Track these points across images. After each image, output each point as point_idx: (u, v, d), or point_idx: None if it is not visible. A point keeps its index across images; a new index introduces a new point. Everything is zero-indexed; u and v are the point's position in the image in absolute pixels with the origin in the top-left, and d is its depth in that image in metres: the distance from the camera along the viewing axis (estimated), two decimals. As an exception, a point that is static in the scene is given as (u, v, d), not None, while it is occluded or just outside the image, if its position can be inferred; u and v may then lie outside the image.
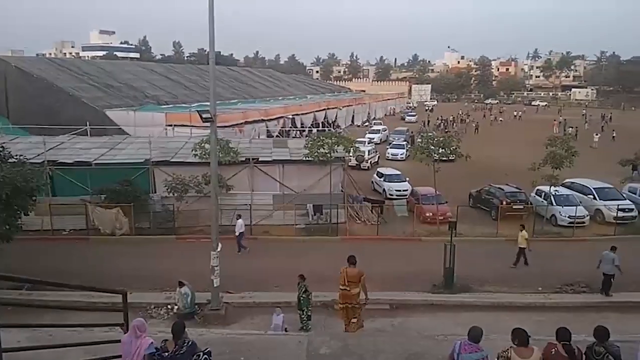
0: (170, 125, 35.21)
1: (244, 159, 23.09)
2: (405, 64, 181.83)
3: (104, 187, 21.62)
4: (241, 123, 38.00)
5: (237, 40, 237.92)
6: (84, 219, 21.68)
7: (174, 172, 22.01)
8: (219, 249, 14.22)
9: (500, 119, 72.98)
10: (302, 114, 50.76)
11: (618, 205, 23.41)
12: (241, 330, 11.93)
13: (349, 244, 20.53)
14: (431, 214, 23.35)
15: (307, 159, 22.72)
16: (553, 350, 6.67)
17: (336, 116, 58.86)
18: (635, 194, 25.54)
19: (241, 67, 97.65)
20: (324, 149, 22.33)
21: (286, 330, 12.52)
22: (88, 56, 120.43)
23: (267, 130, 41.79)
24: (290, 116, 47.67)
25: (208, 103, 15.56)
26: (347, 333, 11.97)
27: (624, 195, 25.42)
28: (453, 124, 62.59)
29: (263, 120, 42.24)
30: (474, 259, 18.12)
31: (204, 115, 13.97)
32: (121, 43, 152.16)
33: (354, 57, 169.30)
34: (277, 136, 40.42)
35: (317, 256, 18.71)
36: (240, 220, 19.78)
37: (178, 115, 37.23)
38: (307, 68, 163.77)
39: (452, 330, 11.59)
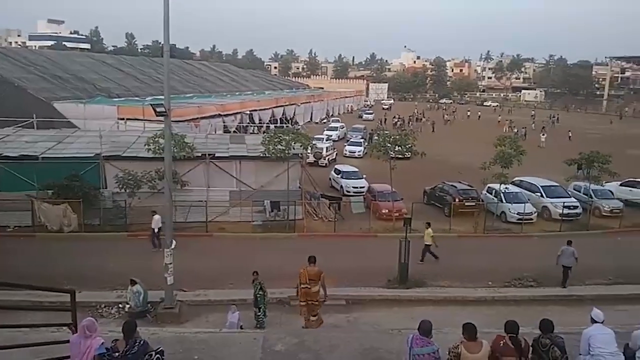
0: (122, 119, 34.12)
1: (199, 154, 22.68)
2: (363, 63, 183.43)
3: (52, 182, 20.74)
4: (197, 118, 37.26)
5: (193, 33, 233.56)
6: (29, 215, 20.73)
7: (125, 167, 21.36)
8: (173, 246, 13.93)
9: (450, 117, 74.96)
10: (260, 109, 50.32)
11: (564, 202, 24.49)
12: (195, 329, 11.73)
13: (306, 240, 20.58)
14: (387, 210, 23.68)
15: (264, 155, 22.56)
16: (501, 342, 6.91)
17: (294, 112, 58.72)
18: (579, 192, 26.77)
19: (197, 61, 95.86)
20: (281, 145, 22.23)
21: (242, 328, 12.42)
22: (35, 46, 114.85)
23: (224, 125, 41.15)
24: (248, 112, 47.18)
25: (162, 97, 15.16)
26: (303, 329, 12.03)
27: (569, 193, 26.62)
28: (409, 123, 63.70)
29: (220, 116, 41.58)
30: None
31: (157, 109, 13.58)
32: (71, 33, 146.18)
33: (313, 54, 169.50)
34: (234, 132, 39.91)
35: (274, 253, 18.66)
36: (156, 216, 19.07)
37: (130, 109, 36.11)
38: (266, 64, 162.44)
39: (406, 324, 11.76)
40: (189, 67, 73.39)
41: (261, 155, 22.76)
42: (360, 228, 22.67)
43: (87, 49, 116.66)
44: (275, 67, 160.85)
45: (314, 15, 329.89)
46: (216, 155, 23.26)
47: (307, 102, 65.86)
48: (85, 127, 31.81)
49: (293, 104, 59.79)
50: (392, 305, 15.36)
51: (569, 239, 17.50)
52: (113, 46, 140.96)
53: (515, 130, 55.32)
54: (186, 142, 22.10)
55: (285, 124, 46.47)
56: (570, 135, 53.16)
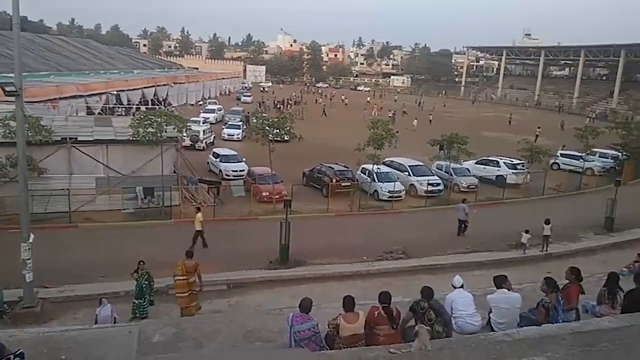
0: (-37, 99, 29.73)
1: (59, 138, 20.63)
2: (240, 44, 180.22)
3: None
4: (55, 98, 33.79)
5: (48, 5, 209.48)
6: None
7: (-31, 153, 18.72)
8: (30, 240, 12.57)
9: (320, 100, 76.93)
10: (129, 89, 47.07)
11: (428, 180, 26.61)
12: (61, 327, 10.75)
13: (184, 227, 19.87)
14: (267, 193, 23.77)
15: (134, 138, 21.19)
16: (376, 312, 7.35)
17: (167, 94, 55.94)
18: (441, 170, 29.23)
19: (54, 36, 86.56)
20: (152, 128, 21.05)
21: (115, 322, 11.71)
22: None
23: (87, 106, 37.93)
24: (115, 92, 43.89)
25: (12, 74, 13.46)
26: (181, 318, 11.79)
27: (433, 171, 28.97)
28: (287, 106, 64.26)
29: (82, 96, 38.14)
30: (308, 234, 18.94)
31: (7, 89, 12.06)
32: None
33: (186, 33, 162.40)
34: (99, 114, 36.91)
35: (149, 242, 17.79)
36: None
37: (-27, 87, 31.58)
38: (134, 41, 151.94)
39: (288, 303, 12.03)
40: (44, 42, 65.94)
41: (131, 138, 21.35)
42: (241, 212, 22.48)
43: None
44: (145, 45, 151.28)
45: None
46: (79, 139, 21.34)
47: (181, 83, 63.10)
48: None
49: (165, 85, 56.91)
50: (274, 286, 15.53)
51: (464, 198, 22.10)
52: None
53: (391, 113, 58.10)
54: (43, 125, 19.93)
55: (158, 105, 44.15)
56: (431, 118, 57.50)
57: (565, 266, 10.21)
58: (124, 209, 21.18)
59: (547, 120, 64.69)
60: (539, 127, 48.47)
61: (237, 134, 39.99)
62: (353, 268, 17.10)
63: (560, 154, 35.47)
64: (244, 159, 28.66)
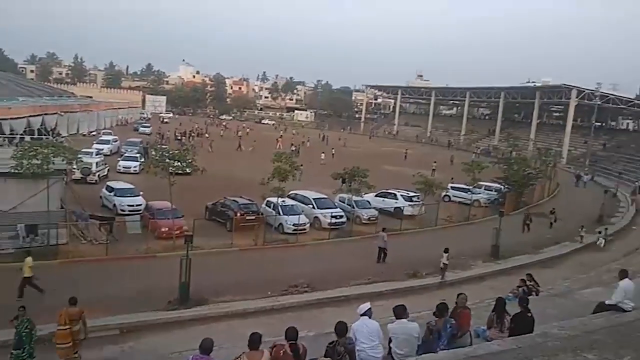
0: None
1: None
2: (139, 73, 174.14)
3: None
4: None
5: None
6: None
7: None
8: None
9: (222, 132, 76.49)
10: (12, 118, 43.12)
11: (332, 212, 27.11)
12: None
13: (72, 267, 18.35)
14: (167, 228, 22.68)
15: (16, 171, 19.34)
16: (282, 351, 7.17)
17: (56, 123, 52.15)
18: (344, 202, 29.98)
19: None
20: (37, 159, 19.37)
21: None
22: None
23: (-38, 136, 34.21)
24: (-5, 120, 40.06)
25: None
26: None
27: (336, 204, 29.59)
28: (190, 138, 62.72)
29: (-44, 124, 34.38)
30: (210, 271, 18.32)
31: None
32: None
33: (79, 59, 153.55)
34: (-24, 144, 33.41)
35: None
36: None
37: None
38: (19, 66, 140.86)
39: (187, 345, 11.38)
40: None
41: (12, 171, 19.46)
42: (137, 249, 21.18)
43: None
44: (32, 71, 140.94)
45: (80, 16, 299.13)
46: (-50, 171, 19.08)
47: (72, 112, 59.26)
48: None
49: (55, 113, 53.03)
50: (173, 328, 14.67)
51: (384, 227, 23.12)
52: None
53: (293, 147, 58.74)
54: None
55: (45, 135, 40.94)
56: (334, 152, 59.20)
57: (458, 293, 10.81)
58: (3, 249, 19.05)
59: (439, 155, 69.16)
60: (435, 162, 51.73)
61: (134, 167, 38.09)
62: (257, 304, 16.70)
63: (451, 187, 38.01)
64: (141, 193, 27.22)
